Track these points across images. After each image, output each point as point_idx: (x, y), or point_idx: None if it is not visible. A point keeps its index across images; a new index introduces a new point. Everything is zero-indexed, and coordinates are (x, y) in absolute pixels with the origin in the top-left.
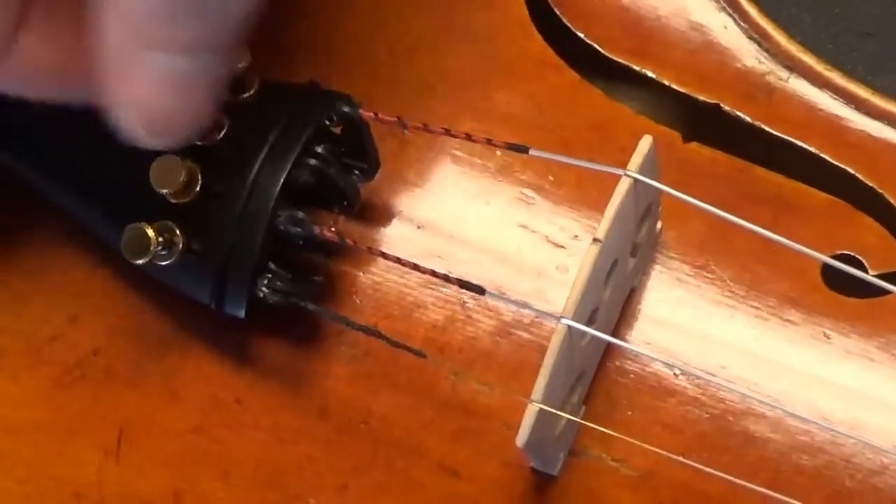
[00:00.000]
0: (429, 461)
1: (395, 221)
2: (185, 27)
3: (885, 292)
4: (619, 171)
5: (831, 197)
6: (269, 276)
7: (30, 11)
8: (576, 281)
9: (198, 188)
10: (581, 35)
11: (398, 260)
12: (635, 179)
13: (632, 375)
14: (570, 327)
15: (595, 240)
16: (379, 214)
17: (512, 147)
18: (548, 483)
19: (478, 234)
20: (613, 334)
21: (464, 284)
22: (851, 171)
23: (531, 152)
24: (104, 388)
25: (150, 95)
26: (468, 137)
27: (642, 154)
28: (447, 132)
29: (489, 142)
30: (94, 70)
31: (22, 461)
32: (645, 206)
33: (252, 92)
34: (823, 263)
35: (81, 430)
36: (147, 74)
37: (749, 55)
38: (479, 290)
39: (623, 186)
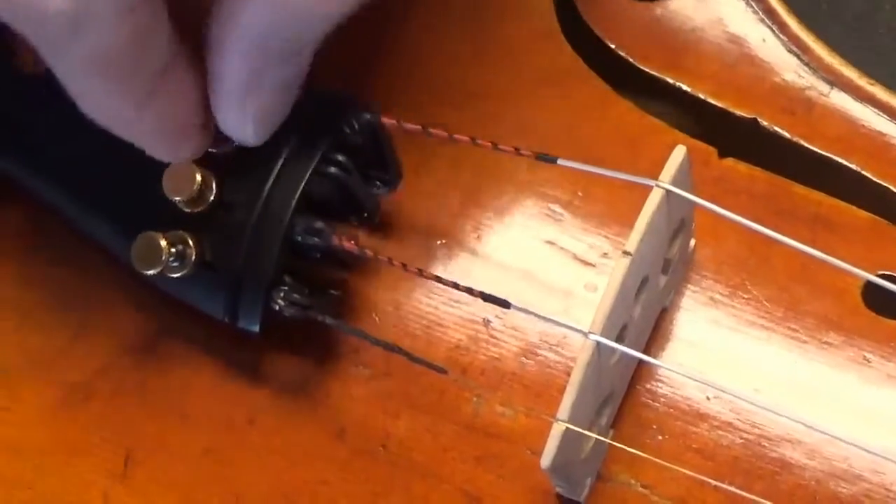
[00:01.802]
0: (450, 486)
1: (416, 235)
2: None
3: None
4: (651, 182)
5: (872, 215)
6: (285, 288)
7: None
8: (604, 294)
9: (212, 197)
10: (613, 46)
11: (420, 272)
12: (667, 191)
13: (663, 398)
14: (598, 343)
15: (625, 252)
16: (400, 227)
17: (540, 157)
18: None
19: (502, 250)
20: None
21: (487, 297)
22: (894, 188)
23: (560, 162)
24: (111, 407)
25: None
26: (495, 146)
27: (675, 164)
28: (472, 141)
29: (517, 151)
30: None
31: (25, 483)
32: (678, 221)
33: None
34: (864, 284)
35: (87, 451)
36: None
37: (788, 69)
38: (504, 304)
39: (655, 197)
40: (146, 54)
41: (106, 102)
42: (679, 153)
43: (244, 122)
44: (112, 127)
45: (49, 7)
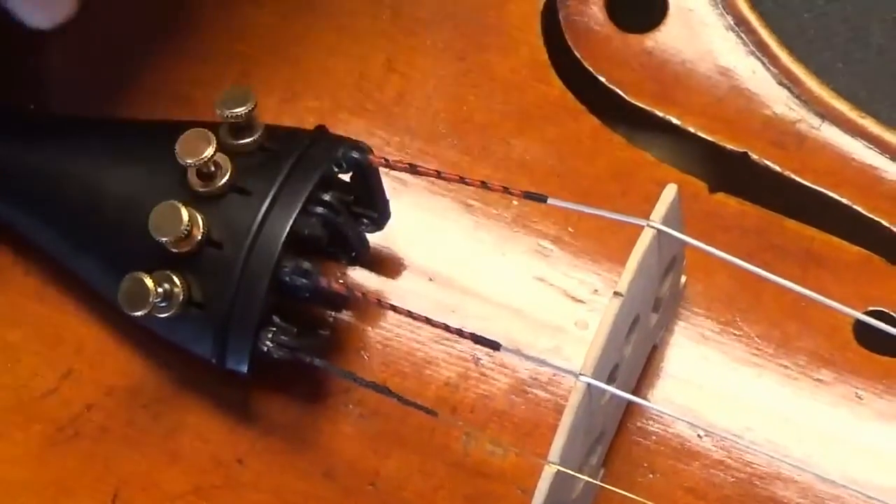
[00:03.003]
0: None
1: (405, 273)
2: None
3: None
4: (642, 222)
5: (864, 250)
6: (274, 329)
7: None
8: (595, 336)
9: (199, 236)
10: (602, 79)
11: (409, 313)
12: (659, 230)
13: (653, 437)
14: (589, 385)
15: (616, 293)
16: (388, 266)
17: (529, 196)
18: None
19: (492, 287)
20: (634, 393)
21: (478, 339)
22: (886, 223)
23: (549, 201)
24: (99, 446)
25: None
26: (483, 185)
27: (666, 203)
28: (461, 180)
29: (506, 190)
30: None
31: None
32: (669, 259)
33: (257, 136)
34: (856, 320)
35: (74, 490)
36: None
37: (779, 102)
38: (494, 346)
39: (646, 237)
40: None
41: None
42: (670, 192)
43: None
44: None
45: None
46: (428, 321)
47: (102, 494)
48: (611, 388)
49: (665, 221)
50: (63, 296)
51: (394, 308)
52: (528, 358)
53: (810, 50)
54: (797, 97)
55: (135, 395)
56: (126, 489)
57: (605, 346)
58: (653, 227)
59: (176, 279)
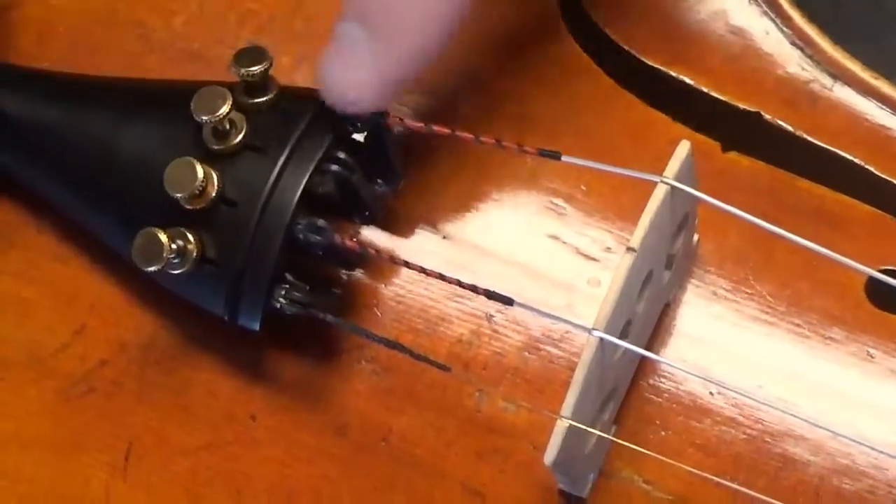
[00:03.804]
0: (452, 482)
1: (418, 231)
2: None
3: None
4: (656, 178)
5: (875, 210)
6: (287, 286)
7: None
8: (609, 291)
9: (214, 193)
10: (616, 39)
11: (422, 270)
12: (672, 186)
13: (665, 394)
14: (602, 340)
15: (629, 248)
16: (402, 224)
17: (543, 153)
18: None
19: (505, 245)
20: (647, 350)
21: (491, 295)
22: None
23: (563, 158)
24: (112, 402)
25: None
26: (498, 143)
27: (680, 160)
28: (476, 138)
29: (520, 147)
30: None
31: (25, 478)
32: (682, 216)
33: (272, 95)
34: (867, 279)
35: (88, 445)
36: None
37: (792, 62)
38: (508, 301)
39: (659, 193)
40: None
41: None
42: (683, 148)
43: None
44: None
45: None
46: (441, 277)
47: (115, 450)
48: (623, 343)
49: (678, 177)
50: (76, 253)
51: (407, 264)
52: (541, 313)
53: (825, 18)
54: (810, 57)
55: (147, 351)
56: (139, 444)
57: (618, 300)
58: (666, 182)
59: (190, 236)
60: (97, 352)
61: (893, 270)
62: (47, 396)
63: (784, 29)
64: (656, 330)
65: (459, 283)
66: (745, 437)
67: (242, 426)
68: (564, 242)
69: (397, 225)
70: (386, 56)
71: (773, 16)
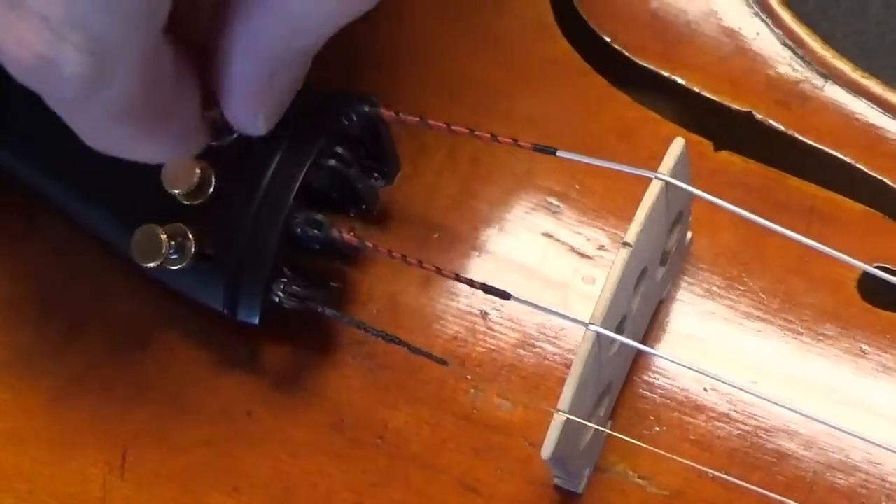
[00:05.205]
0: (447, 477)
1: (414, 226)
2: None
3: None
4: (650, 174)
5: (867, 208)
6: (285, 280)
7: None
8: (605, 285)
9: (211, 189)
10: (608, 39)
11: (419, 264)
12: (667, 182)
13: (660, 390)
14: (598, 334)
15: (625, 243)
16: (397, 219)
17: (538, 148)
18: (571, 501)
19: (500, 242)
20: None
21: (488, 289)
22: (888, 181)
23: (559, 153)
24: (108, 399)
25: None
26: (493, 138)
27: (674, 156)
28: (471, 132)
29: (515, 142)
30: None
31: (23, 476)
32: (676, 213)
33: None
34: (859, 275)
35: (85, 443)
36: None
37: (783, 62)
38: (505, 296)
39: (654, 189)
40: (160, 89)
41: (120, 140)
42: (678, 145)
43: (254, 118)
44: (119, 153)
45: (65, 71)
46: (438, 271)
47: (113, 447)
48: (619, 338)
49: (673, 174)
50: (71, 250)
51: (404, 259)
52: (537, 308)
53: (810, 21)
54: (801, 58)
55: (143, 348)
56: (136, 442)
57: (615, 295)
58: (661, 178)
59: (188, 231)
60: (92, 349)
61: (885, 268)
62: (44, 395)
63: (774, 29)
64: (651, 327)
65: (456, 278)
66: (739, 432)
67: (238, 422)
68: (559, 240)
69: (393, 221)
70: None
71: (764, 17)
